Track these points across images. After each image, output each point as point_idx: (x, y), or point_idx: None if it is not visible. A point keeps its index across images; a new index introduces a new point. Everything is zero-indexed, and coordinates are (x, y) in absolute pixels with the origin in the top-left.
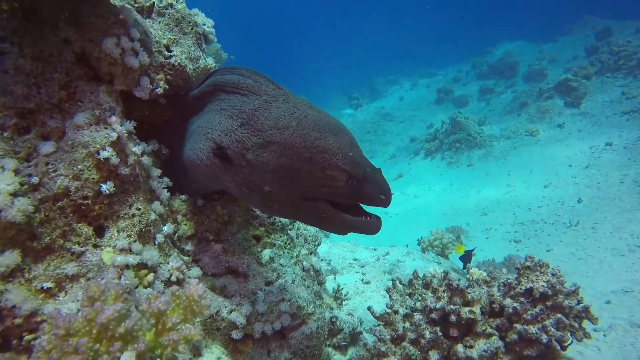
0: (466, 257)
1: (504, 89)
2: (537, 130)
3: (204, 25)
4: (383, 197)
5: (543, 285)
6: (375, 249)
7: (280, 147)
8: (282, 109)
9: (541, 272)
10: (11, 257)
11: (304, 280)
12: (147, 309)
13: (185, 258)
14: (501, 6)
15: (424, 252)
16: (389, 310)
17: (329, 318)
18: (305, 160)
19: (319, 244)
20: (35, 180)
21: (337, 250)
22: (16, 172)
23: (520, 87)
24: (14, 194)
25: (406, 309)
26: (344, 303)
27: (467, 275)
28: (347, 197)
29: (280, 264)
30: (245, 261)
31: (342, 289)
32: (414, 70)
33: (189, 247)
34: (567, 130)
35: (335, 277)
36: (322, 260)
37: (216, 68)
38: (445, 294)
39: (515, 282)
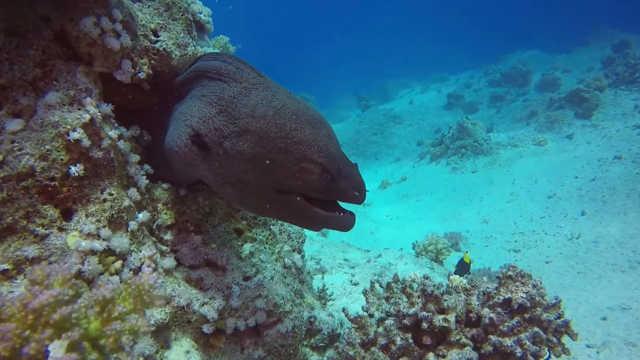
0: (462, 267)
1: (515, 97)
2: (545, 140)
3: (200, 13)
4: (357, 193)
5: (522, 297)
6: (368, 251)
7: (256, 136)
8: (260, 97)
9: (522, 283)
10: None
11: (284, 277)
12: (92, 296)
13: (164, 247)
14: (516, 15)
15: (418, 257)
16: (364, 314)
17: (307, 318)
18: (279, 151)
19: (303, 241)
20: None
21: (328, 249)
22: None
23: (531, 96)
24: None
25: (382, 313)
26: (328, 303)
27: (447, 282)
28: (321, 192)
29: (260, 259)
30: (224, 254)
31: (328, 289)
32: (425, 74)
33: (168, 236)
34: (576, 141)
35: (323, 277)
36: (311, 258)
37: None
38: (420, 300)
39: (495, 291)
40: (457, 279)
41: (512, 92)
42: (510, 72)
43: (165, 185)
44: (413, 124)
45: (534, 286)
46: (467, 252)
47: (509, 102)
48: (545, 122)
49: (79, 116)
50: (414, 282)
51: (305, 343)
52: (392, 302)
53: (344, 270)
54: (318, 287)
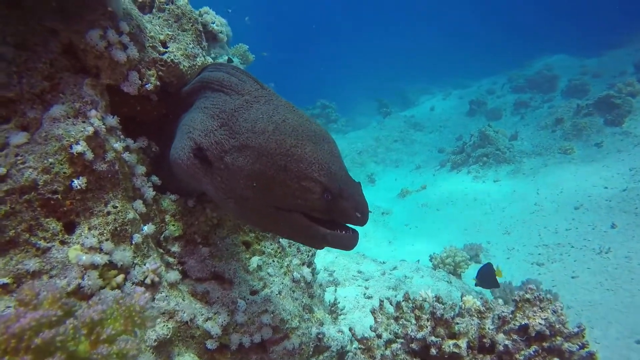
0: (488, 279)
1: (540, 103)
2: (572, 148)
3: (213, 23)
4: (359, 214)
5: (540, 323)
6: (383, 262)
7: (255, 152)
8: (262, 111)
9: (541, 308)
10: None
11: (293, 291)
12: (79, 318)
13: (171, 259)
14: (542, 19)
15: (435, 270)
16: (371, 334)
17: (316, 334)
18: (279, 168)
19: (313, 255)
20: (2, 171)
21: (342, 260)
22: None
23: (557, 102)
24: None
25: (390, 334)
26: (340, 317)
27: (460, 303)
28: (322, 212)
29: (268, 273)
30: (232, 267)
31: (340, 302)
32: (447, 80)
33: (175, 248)
34: (606, 149)
35: (335, 289)
36: (324, 270)
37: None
38: (429, 323)
39: (511, 315)
40: (470, 300)
41: (537, 99)
42: (535, 78)
43: (173, 197)
44: (434, 131)
45: (553, 312)
46: (499, 266)
47: (533, 108)
48: (572, 130)
49: (82, 129)
50: (425, 301)
51: None
52: (401, 322)
53: (358, 283)
54: (330, 301)
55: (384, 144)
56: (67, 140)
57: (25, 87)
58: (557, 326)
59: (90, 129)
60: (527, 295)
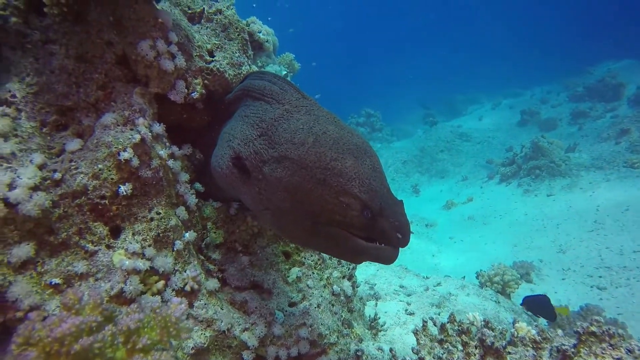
0: (535, 305)
1: (602, 113)
2: (639, 162)
3: (260, 32)
4: (400, 235)
5: None
6: (427, 277)
7: (294, 164)
8: (302, 122)
9: (611, 345)
10: (24, 250)
11: (332, 305)
12: (118, 326)
13: (211, 266)
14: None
15: (482, 288)
16: (413, 357)
17: (354, 351)
18: (318, 182)
19: (354, 268)
20: (57, 176)
21: (384, 273)
22: (42, 167)
23: (623, 111)
24: (34, 188)
25: (433, 357)
26: (380, 333)
27: (512, 330)
28: (360, 229)
29: (308, 285)
30: (271, 277)
31: (380, 318)
32: (497, 89)
33: (216, 255)
34: None
35: (376, 304)
36: (365, 283)
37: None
38: (477, 351)
39: (573, 350)
40: (524, 328)
41: (598, 108)
42: (596, 86)
43: (215, 204)
44: (482, 141)
45: (628, 351)
46: (568, 307)
47: (593, 118)
48: None
49: (130, 136)
50: (473, 325)
51: None
52: (445, 347)
53: (400, 298)
54: (370, 316)
55: (429, 154)
56: (115, 147)
57: (82, 96)
58: None
59: (138, 137)
60: (593, 328)
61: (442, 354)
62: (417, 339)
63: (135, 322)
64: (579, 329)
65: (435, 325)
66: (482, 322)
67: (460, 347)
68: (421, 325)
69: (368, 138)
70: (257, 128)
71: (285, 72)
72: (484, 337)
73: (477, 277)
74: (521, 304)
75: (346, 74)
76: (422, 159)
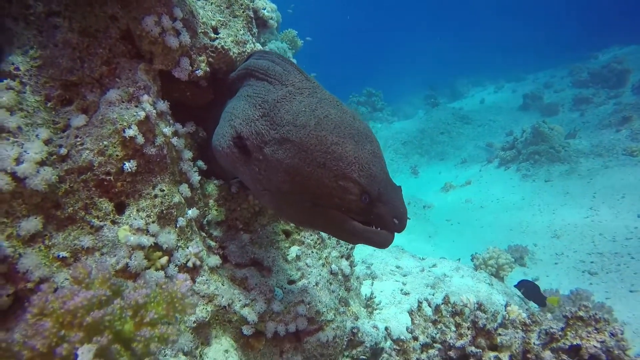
0: (528, 290)
1: (605, 99)
2: (639, 150)
3: (264, 9)
4: (396, 221)
5: (595, 346)
6: (422, 259)
7: (295, 147)
8: (304, 104)
9: (596, 329)
10: (32, 223)
11: (330, 284)
12: (126, 300)
13: (212, 243)
14: (612, 6)
15: (476, 270)
16: (408, 336)
17: (350, 328)
18: (318, 165)
19: (352, 247)
20: (63, 151)
21: (381, 254)
22: (48, 142)
23: (626, 98)
24: (41, 163)
25: (427, 337)
26: (375, 312)
27: (504, 312)
28: (358, 214)
29: (306, 264)
30: (271, 255)
31: (376, 297)
32: (500, 72)
33: (217, 232)
34: None
35: (372, 283)
36: (362, 262)
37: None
38: (469, 332)
39: (560, 333)
40: (515, 311)
41: (601, 94)
42: (601, 72)
43: (217, 182)
44: (483, 124)
45: (612, 335)
46: (558, 296)
47: (596, 105)
48: None
49: (135, 113)
50: (466, 307)
51: (346, 354)
52: (439, 327)
53: (395, 278)
54: (366, 295)
55: (429, 135)
56: (120, 124)
57: (86, 71)
58: (617, 352)
59: (142, 114)
60: (581, 313)
61: (436, 334)
62: (412, 319)
63: (143, 297)
64: (567, 313)
65: (429, 306)
66: (475, 304)
67: (453, 328)
68: (416, 305)
69: (368, 118)
70: (259, 108)
71: (287, 49)
72: (476, 319)
73: (472, 260)
74: (515, 286)
75: (348, 51)
76: (422, 140)
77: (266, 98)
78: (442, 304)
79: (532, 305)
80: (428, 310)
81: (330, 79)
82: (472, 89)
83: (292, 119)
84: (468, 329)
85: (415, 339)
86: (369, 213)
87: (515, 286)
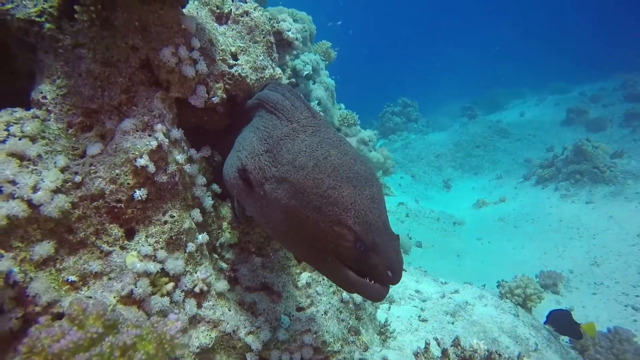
0: (559, 321)
1: None
2: None
3: (289, 31)
4: (390, 273)
5: None
6: (445, 283)
7: (292, 188)
8: (306, 144)
9: None
10: (45, 248)
11: (340, 312)
12: (114, 341)
13: (224, 265)
14: None
15: (501, 299)
16: None
17: None
18: (313, 209)
19: None
20: (78, 179)
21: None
22: (65, 169)
23: None
24: (56, 191)
25: None
26: (389, 339)
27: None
28: (352, 261)
29: (317, 291)
30: (281, 280)
31: (391, 324)
32: (543, 84)
33: (229, 255)
34: None
35: (390, 307)
36: None
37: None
38: None
39: None
40: None
41: None
42: None
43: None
44: (522, 139)
45: None
46: (594, 324)
47: None
48: None
49: (147, 143)
50: (476, 352)
51: None
52: None
53: (414, 304)
54: (380, 321)
55: (464, 148)
56: (132, 154)
57: (107, 100)
58: None
59: (155, 143)
60: None
61: None
62: None
63: (131, 338)
64: None
65: (439, 346)
66: (486, 352)
67: None
68: (423, 347)
69: (403, 129)
70: (264, 143)
71: (321, 60)
72: None
73: (497, 287)
74: (546, 318)
75: (385, 60)
76: (457, 153)
77: (272, 133)
78: (451, 346)
79: (564, 340)
80: (436, 351)
81: (365, 88)
82: (512, 101)
83: (292, 158)
84: None
85: None
86: (363, 262)
87: (546, 318)
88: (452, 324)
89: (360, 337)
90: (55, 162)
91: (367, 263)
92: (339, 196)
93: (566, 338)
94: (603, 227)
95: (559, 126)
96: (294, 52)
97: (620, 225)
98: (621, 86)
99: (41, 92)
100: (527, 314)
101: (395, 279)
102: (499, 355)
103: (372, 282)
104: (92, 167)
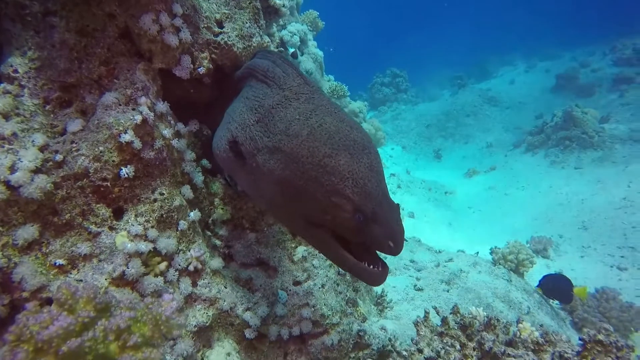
0: (553, 285)
1: None
2: None
3: None
4: (391, 244)
5: None
6: (439, 252)
7: (286, 158)
8: (299, 112)
9: (618, 358)
10: (29, 231)
11: (337, 285)
12: (107, 325)
13: (218, 242)
14: None
15: (495, 265)
16: (412, 347)
17: (357, 331)
18: (309, 179)
19: None
20: (59, 157)
21: None
22: (44, 148)
23: None
24: (35, 171)
25: (432, 351)
26: (386, 310)
27: (515, 329)
28: (351, 233)
29: (313, 265)
30: (277, 255)
31: (387, 294)
32: (534, 50)
33: (223, 231)
34: None
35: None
36: None
37: (306, 37)
38: (475, 353)
39: (576, 358)
40: (527, 329)
41: None
42: None
43: (223, 180)
44: (511, 107)
45: None
46: (586, 287)
47: (639, 85)
48: None
49: (131, 117)
50: (476, 319)
51: (352, 356)
52: (445, 341)
53: (409, 273)
54: (377, 292)
55: (454, 117)
56: (116, 129)
57: (85, 72)
58: None
59: (139, 117)
60: (601, 337)
61: (441, 348)
62: (417, 330)
63: (125, 321)
64: (585, 336)
65: (438, 315)
66: (485, 318)
67: (458, 347)
68: (423, 316)
69: (392, 99)
70: (255, 113)
71: (308, 30)
72: (483, 341)
73: (490, 254)
74: (539, 282)
75: (372, 29)
76: (447, 122)
77: (262, 102)
78: (451, 314)
79: (555, 304)
80: (436, 319)
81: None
82: (502, 69)
83: (284, 127)
84: (474, 350)
85: (420, 351)
86: (363, 233)
87: (539, 282)
88: (448, 291)
89: (358, 308)
90: (32, 141)
91: (367, 234)
92: (335, 165)
93: (556, 301)
94: (591, 192)
95: (549, 93)
96: (281, 22)
97: (607, 189)
98: (610, 51)
99: (11, 66)
100: (519, 279)
101: (397, 250)
102: (498, 320)
103: (372, 266)
104: (74, 145)
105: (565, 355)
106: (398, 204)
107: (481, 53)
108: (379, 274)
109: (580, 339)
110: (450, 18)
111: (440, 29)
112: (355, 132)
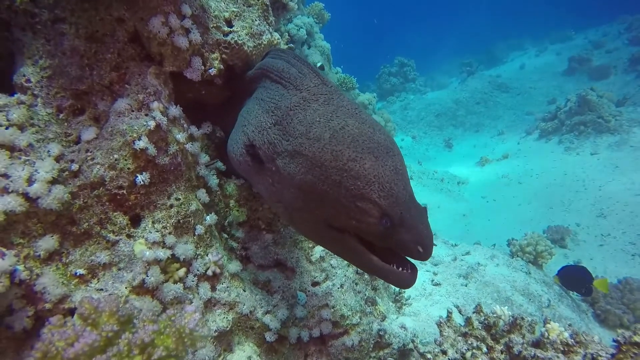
0: (572, 277)
1: None
2: None
3: None
4: (420, 249)
5: None
6: (455, 245)
7: (308, 162)
8: (319, 114)
9: None
10: (49, 242)
11: (356, 284)
12: (131, 339)
13: (235, 244)
14: None
15: (512, 257)
16: (436, 349)
17: (377, 330)
18: (333, 184)
19: None
20: (75, 167)
21: None
22: (59, 157)
23: None
24: (52, 182)
25: (456, 352)
26: (404, 307)
27: (542, 329)
28: (378, 238)
29: (331, 265)
30: (294, 256)
31: (405, 291)
32: (544, 33)
33: (239, 233)
34: None
35: None
36: None
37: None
38: (503, 356)
39: None
40: (556, 329)
41: None
42: None
43: (237, 181)
44: (522, 92)
45: None
46: (607, 279)
47: None
48: None
49: (145, 123)
50: (500, 319)
51: (373, 355)
52: (469, 342)
53: (426, 268)
54: (395, 289)
55: (464, 106)
56: (130, 136)
57: (96, 79)
58: None
59: (152, 123)
60: (637, 338)
61: (466, 350)
62: (441, 331)
63: (149, 335)
64: (619, 338)
65: (460, 314)
66: (510, 318)
67: (485, 349)
68: (446, 316)
69: (401, 89)
70: (272, 115)
71: (314, 23)
72: (511, 345)
73: (508, 246)
74: (557, 274)
75: (379, 20)
76: (457, 111)
77: (279, 104)
78: (474, 313)
79: (575, 295)
80: (459, 319)
81: (361, 49)
82: (512, 54)
83: (305, 130)
84: (501, 353)
85: (444, 353)
86: (390, 238)
87: (557, 274)
88: (466, 286)
89: (377, 307)
90: (48, 151)
91: (395, 239)
92: (360, 169)
93: (577, 295)
94: (608, 178)
95: (561, 76)
96: (288, 16)
97: (626, 175)
98: (626, 29)
99: (24, 75)
100: (538, 271)
101: (426, 255)
102: (523, 319)
103: (400, 268)
104: (89, 154)
105: (599, 358)
106: (425, 207)
107: (489, 38)
108: (409, 276)
109: (614, 341)
110: (456, 3)
111: (446, 15)
112: (378, 134)
